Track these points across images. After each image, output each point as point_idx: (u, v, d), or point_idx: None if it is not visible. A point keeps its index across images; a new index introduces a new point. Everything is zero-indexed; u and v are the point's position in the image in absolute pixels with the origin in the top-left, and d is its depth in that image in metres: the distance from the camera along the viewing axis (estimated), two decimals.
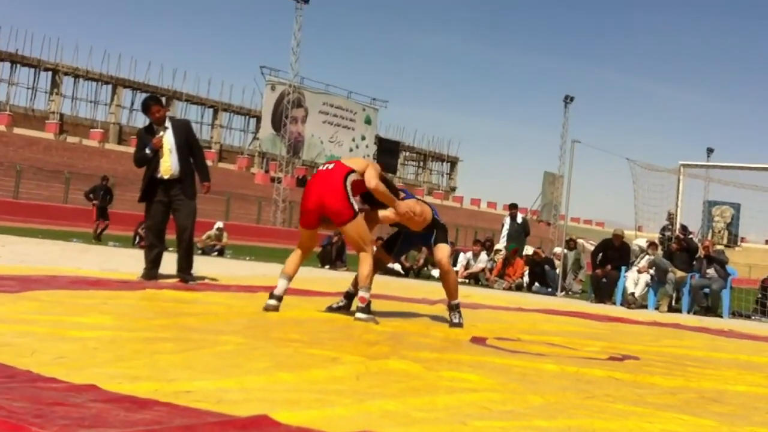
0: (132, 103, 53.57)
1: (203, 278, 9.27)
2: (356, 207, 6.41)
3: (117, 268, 9.93)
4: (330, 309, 6.87)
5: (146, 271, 8.65)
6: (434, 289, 10.63)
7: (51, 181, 35.12)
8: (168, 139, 8.60)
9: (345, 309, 6.79)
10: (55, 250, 13.20)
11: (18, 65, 48.40)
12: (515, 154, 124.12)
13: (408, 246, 7.60)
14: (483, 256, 16.48)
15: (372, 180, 6.47)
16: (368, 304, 6.35)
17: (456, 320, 6.79)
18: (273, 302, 6.45)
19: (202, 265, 12.54)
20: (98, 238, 19.56)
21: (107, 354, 3.88)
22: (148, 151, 8.60)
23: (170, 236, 8.94)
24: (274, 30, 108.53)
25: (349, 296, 6.92)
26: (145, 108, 8.86)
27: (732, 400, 4.09)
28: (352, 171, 6.42)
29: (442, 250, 6.95)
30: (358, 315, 6.25)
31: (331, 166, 6.52)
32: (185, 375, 3.46)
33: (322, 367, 3.93)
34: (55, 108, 49.44)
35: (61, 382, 3.07)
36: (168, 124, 8.75)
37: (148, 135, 8.71)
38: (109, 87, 52.51)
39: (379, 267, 7.34)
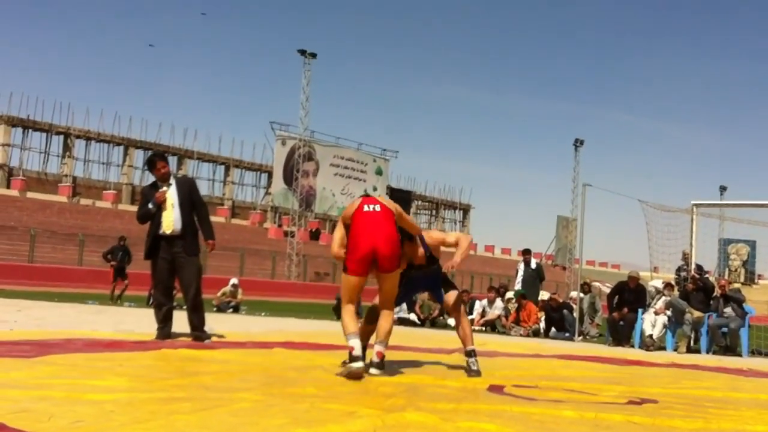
0: (144, 164, 54.03)
1: (219, 335, 9.25)
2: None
3: (132, 329, 9.96)
4: (345, 364, 6.84)
5: (159, 330, 8.65)
6: (450, 339, 10.59)
7: (65, 244, 35.33)
8: (171, 194, 8.64)
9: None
10: (70, 313, 13.24)
11: (30, 130, 48.90)
12: (527, 199, 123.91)
13: (411, 290, 7.50)
14: (498, 302, 16.43)
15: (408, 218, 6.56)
16: (383, 359, 6.28)
17: (474, 368, 6.75)
18: (359, 364, 5.94)
19: (217, 323, 12.52)
20: (118, 299, 19.53)
21: (124, 416, 3.88)
22: (150, 206, 8.64)
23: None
24: (283, 85, 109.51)
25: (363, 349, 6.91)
26: (150, 164, 8.91)
27: None
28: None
29: (452, 296, 6.97)
30: (373, 371, 6.14)
31: (377, 208, 6.31)
32: None
33: (338, 421, 3.92)
34: (68, 171, 49.84)
35: None
36: (172, 180, 8.81)
37: (152, 191, 8.76)
38: (121, 148, 52.97)
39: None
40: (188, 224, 8.69)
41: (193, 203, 8.81)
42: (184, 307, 9.05)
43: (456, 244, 6.78)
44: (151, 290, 18.51)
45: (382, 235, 6.16)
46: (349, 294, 6.38)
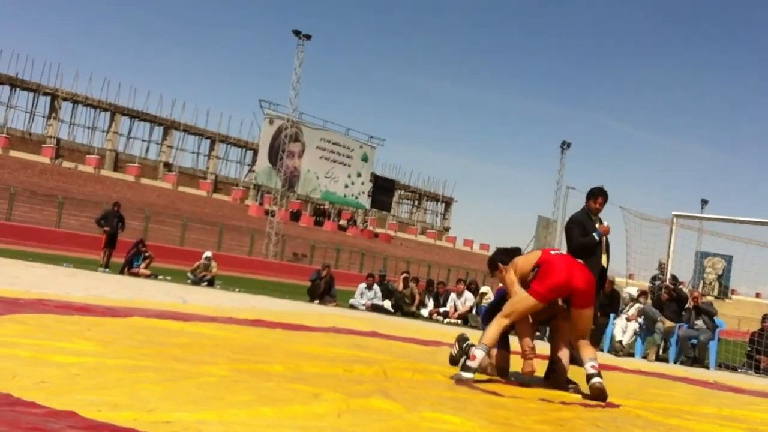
0: (129, 131, 53.65)
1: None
2: None
3: (104, 294, 9.91)
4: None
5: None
6: (422, 330, 10.61)
7: (44, 205, 35.06)
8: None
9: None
10: (45, 274, 13.17)
11: (17, 89, 48.46)
12: (510, 196, 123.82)
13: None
14: (467, 294, 16.45)
15: None
16: (599, 371, 5.95)
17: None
18: (468, 375, 5.81)
19: (191, 295, 12.52)
20: (106, 266, 19.07)
21: (89, 381, 3.86)
22: (596, 235, 8.34)
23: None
24: (275, 64, 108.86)
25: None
26: (597, 195, 8.46)
27: None
28: None
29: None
30: (594, 380, 5.82)
31: (564, 252, 6.31)
32: (166, 405, 3.45)
33: (304, 402, 3.91)
34: (53, 132, 49.47)
35: (41, 407, 3.06)
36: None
37: (588, 220, 8.32)
38: (107, 114, 52.55)
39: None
40: None
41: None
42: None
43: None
44: (128, 257, 18.45)
45: (580, 269, 5.97)
46: (519, 314, 6.02)
